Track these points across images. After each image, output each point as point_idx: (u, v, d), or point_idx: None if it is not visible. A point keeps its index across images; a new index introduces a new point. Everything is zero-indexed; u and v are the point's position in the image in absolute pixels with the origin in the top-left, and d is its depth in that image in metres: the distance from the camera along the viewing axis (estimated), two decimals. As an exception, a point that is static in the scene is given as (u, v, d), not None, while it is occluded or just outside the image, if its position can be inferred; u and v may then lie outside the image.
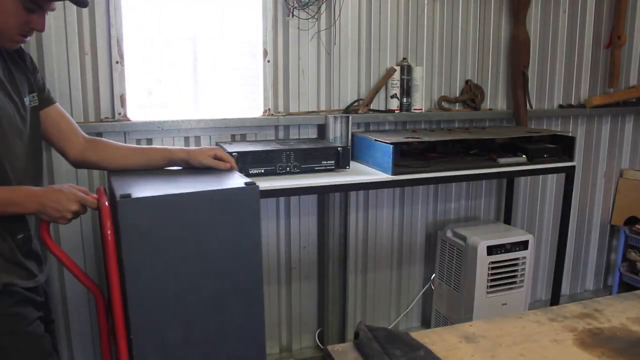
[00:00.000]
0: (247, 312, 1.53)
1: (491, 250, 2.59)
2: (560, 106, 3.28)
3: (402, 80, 2.77)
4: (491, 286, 2.62)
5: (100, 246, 2.27)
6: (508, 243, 2.63)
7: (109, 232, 1.39)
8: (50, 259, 1.64)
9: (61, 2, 1.57)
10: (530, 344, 1.17)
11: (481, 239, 2.59)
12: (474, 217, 3.15)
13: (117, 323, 1.41)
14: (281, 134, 2.64)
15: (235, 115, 2.51)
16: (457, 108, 2.99)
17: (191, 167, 1.68)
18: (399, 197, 2.94)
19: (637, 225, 3.35)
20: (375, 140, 2.35)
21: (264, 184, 2.06)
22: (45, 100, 1.58)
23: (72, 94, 2.24)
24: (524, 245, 2.65)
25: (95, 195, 1.46)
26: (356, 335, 1.17)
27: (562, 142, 2.63)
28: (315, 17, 2.58)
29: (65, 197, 1.38)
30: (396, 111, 2.78)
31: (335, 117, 2.53)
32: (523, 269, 2.67)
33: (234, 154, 2.12)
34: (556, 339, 1.19)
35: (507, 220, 3.09)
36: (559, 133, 2.70)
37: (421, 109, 2.83)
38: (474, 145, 2.69)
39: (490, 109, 3.07)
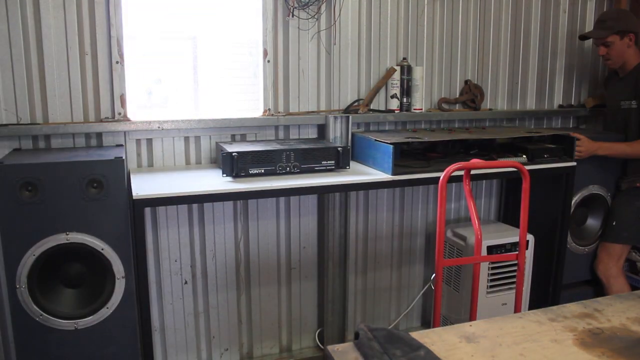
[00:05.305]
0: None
1: (491, 250, 2.59)
2: (560, 106, 3.28)
3: (402, 80, 2.77)
4: (491, 286, 2.62)
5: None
6: (508, 243, 2.63)
7: None
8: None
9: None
10: (530, 344, 1.17)
11: (481, 239, 2.58)
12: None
13: None
14: (281, 134, 2.64)
15: (235, 115, 2.51)
16: (457, 109, 3.00)
17: None
18: (399, 197, 2.94)
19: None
20: (375, 140, 2.35)
21: (264, 184, 2.06)
22: None
23: (72, 94, 2.24)
24: (524, 245, 2.65)
25: None
26: (356, 335, 1.17)
27: (562, 142, 2.63)
28: (315, 17, 2.58)
29: None
30: (396, 111, 2.78)
31: (335, 117, 2.53)
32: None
33: (234, 154, 2.12)
34: (556, 339, 1.19)
35: (507, 220, 3.09)
36: (559, 133, 2.70)
37: (421, 109, 2.83)
38: (474, 145, 2.69)
39: (490, 109, 3.07)
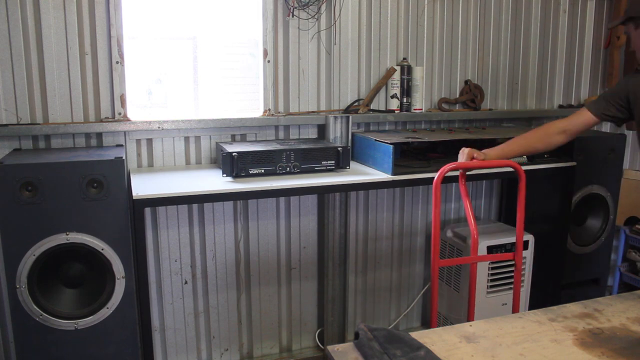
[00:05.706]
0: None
1: (491, 250, 2.58)
2: (560, 106, 3.28)
3: (402, 80, 2.76)
4: (491, 286, 2.62)
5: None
6: (508, 243, 2.63)
7: None
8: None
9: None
10: (530, 344, 1.17)
11: (481, 239, 2.59)
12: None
13: None
14: (281, 134, 2.64)
15: (236, 115, 2.51)
16: (457, 109, 3.00)
17: None
18: (399, 197, 2.94)
19: (637, 225, 3.34)
20: (375, 140, 2.35)
21: (264, 184, 2.06)
22: None
23: (72, 94, 2.24)
24: (524, 245, 2.65)
25: None
26: (356, 335, 1.17)
27: (562, 142, 2.62)
28: (315, 17, 2.58)
29: None
30: (396, 111, 2.78)
31: (335, 117, 2.53)
32: (523, 269, 2.67)
33: (234, 154, 2.12)
34: (556, 339, 1.19)
35: (507, 220, 3.09)
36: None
37: (421, 109, 2.83)
38: (474, 145, 2.68)
39: (490, 109, 3.07)
